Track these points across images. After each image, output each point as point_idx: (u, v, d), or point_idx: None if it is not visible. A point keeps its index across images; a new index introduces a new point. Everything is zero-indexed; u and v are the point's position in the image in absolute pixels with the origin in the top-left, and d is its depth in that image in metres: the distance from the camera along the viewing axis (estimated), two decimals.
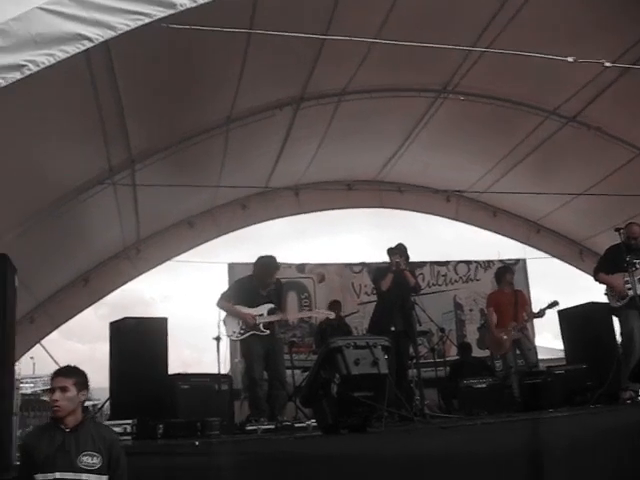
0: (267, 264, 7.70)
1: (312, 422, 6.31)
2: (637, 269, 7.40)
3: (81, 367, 4.13)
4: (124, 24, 4.78)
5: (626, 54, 7.22)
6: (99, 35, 4.72)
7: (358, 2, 6.68)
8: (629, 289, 7.42)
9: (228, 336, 7.54)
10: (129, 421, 6.46)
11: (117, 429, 6.30)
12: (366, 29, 6.86)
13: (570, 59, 5.85)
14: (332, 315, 8.45)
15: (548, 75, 7.75)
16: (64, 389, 3.90)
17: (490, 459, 4.73)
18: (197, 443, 4.74)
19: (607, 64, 6.07)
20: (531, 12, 6.96)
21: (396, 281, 7.94)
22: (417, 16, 7.01)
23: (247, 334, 7.34)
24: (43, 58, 4.58)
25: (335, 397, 5.17)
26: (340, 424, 5.21)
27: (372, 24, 6.98)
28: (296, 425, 6.62)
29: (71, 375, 3.96)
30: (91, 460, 3.78)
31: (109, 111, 6.80)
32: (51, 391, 3.94)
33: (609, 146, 9.48)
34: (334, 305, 9.94)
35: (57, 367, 4.11)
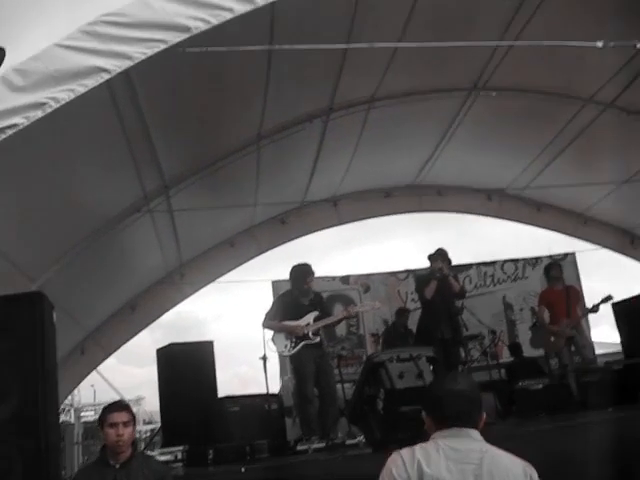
0: (301, 271, 7.66)
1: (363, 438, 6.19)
2: None
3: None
4: (141, 52, 4.77)
5: None
6: (117, 66, 4.73)
7: (377, 8, 6.57)
8: None
9: (279, 352, 7.49)
10: (180, 448, 6.43)
11: (168, 457, 6.30)
12: (388, 34, 6.78)
13: (599, 44, 5.66)
14: (377, 305, 8.35)
15: (580, 62, 7.54)
16: (127, 424, 3.92)
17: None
18: (243, 469, 4.66)
19: (639, 45, 5.86)
20: (554, 3, 6.77)
21: (440, 288, 7.79)
22: (439, 15, 6.87)
23: (298, 346, 7.27)
24: (63, 94, 4.59)
25: (381, 413, 5.05)
26: (388, 440, 5.08)
27: (394, 28, 6.86)
28: (347, 442, 6.48)
29: (131, 410, 4.00)
30: None
31: (137, 139, 6.82)
32: (112, 426, 3.92)
33: None
34: (401, 312, 9.87)
35: (114, 398, 4.14)
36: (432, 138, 10.03)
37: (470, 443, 2.67)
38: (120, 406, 4.07)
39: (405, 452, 2.72)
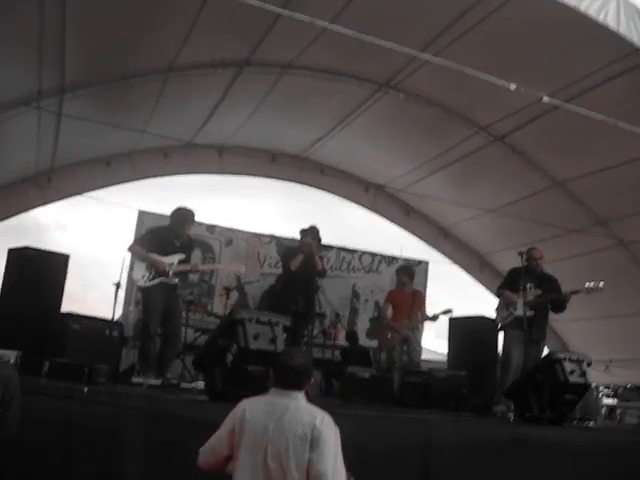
0: (184, 215, 7.64)
1: (198, 384, 6.37)
2: (529, 292, 7.80)
3: None
4: None
5: (562, 91, 7.53)
6: None
7: None
8: (515, 310, 7.85)
9: (135, 280, 7.45)
10: (13, 352, 6.31)
11: None
12: (326, 9, 6.90)
13: (512, 86, 6.10)
14: (243, 269, 8.49)
15: (487, 93, 8.00)
16: None
17: (380, 453, 4.82)
18: (86, 389, 4.71)
19: (546, 99, 6.37)
20: (484, 32, 7.17)
21: (305, 263, 8.07)
22: (378, 8, 7.09)
23: (156, 280, 7.27)
24: None
25: (229, 367, 5.24)
26: (229, 394, 5.28)
27: (333, 6, 7.01)
28: (182, 385, 6.65)
29: None
30: None
31: (50, 33, 6.59)
32: None
33: (528, 172, 9.92)
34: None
35: None
36: (331, 119, 10.27)
37: (283, 400, 3.46)
38: None
39: (242, 401, 3.61)
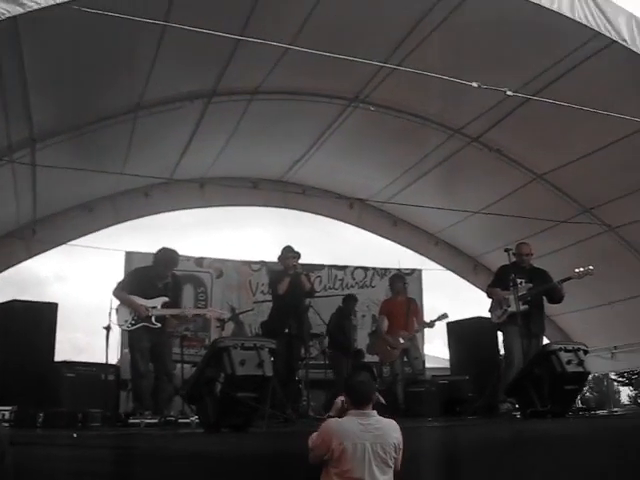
0: (168, 257, 7.58)
1: (197, 418, 6.30)
2: (521, 287, 7.76)
3: None
4: (34, 2, 4.69)
5: (528, 85, 7.56)
6: (6, 10, 4.63)
7: (277, 4, 6.73)
8: (508, 306, 7.81)
9: (119, 325, 7.38)
10: (8, 408, 6.25)
11: None
12: (284, 31, 6.94)
13: (475, 84, 6.13)
14: (226, 315, 8.43)
15: (455, 96, 7.99)
16: None
17: None
18: (75, 435, 4.66)
19: (509, 93, 6.39)
20: (444, 36, 7.18)
21: (292, 284, 8.03)
22: (335, 24, 7.12)
23: (138, 325, 7.23)
24: None
25: (218, 396, 5.18)
26: (222, 423, 5.24)
27: (290, 27, 7.06)
28: (180, 421, 6.58)
29: None
30: None
31: (12, 87, 6.60)
32: None
33: (507, 169, 9.91)
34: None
35: None
36: (306, 139, 10.29)
37: (368, 419, 4.25)
38: None
39: (330, 425, 4.30)
